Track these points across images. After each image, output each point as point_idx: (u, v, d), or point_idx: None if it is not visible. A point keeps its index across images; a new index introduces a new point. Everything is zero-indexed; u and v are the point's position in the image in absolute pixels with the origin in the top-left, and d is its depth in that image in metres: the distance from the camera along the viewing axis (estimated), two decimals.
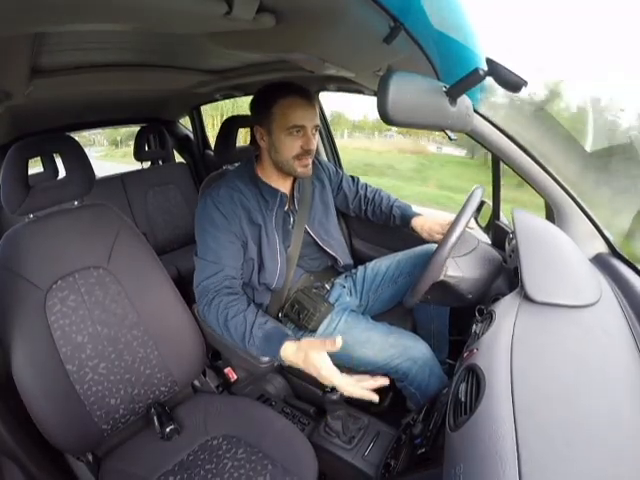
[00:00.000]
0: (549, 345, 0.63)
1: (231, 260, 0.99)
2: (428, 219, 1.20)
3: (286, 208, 1.12)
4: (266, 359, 0.92)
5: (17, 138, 1.60)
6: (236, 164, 1.45)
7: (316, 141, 1.05)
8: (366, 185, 1.37)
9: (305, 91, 1.01)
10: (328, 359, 0.81)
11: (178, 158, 2.60)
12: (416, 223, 1.21)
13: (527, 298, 0.74)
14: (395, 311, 1.29)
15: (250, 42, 0.71)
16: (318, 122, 1.04)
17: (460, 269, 0.96)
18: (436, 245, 0.93)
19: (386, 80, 0.50)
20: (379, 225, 1.36)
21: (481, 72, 0.56)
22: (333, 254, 1.22)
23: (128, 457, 0.89)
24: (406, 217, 1.25)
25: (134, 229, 1.02)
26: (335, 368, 0.80)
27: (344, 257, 1.26)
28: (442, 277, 0.93)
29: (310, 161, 1.05)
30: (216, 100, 2.00)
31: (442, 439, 0.60)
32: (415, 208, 1.31)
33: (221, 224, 0.99)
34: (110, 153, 13.92)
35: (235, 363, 1.14)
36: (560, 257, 0.84)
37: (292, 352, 0.84)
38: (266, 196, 1.07)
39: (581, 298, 0.73)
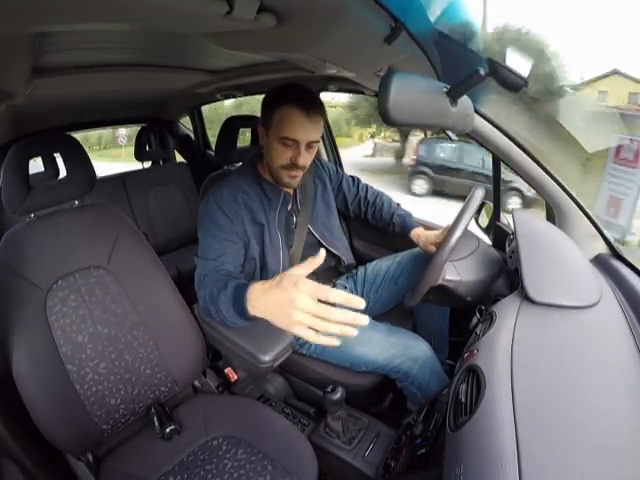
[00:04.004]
0: (549, 346, 0.63)
1: (232, 258, 0.99)
2: (425, 231, 1.20)
3: (289, 208, 1.12)
4: (267, 358, 0.89)
5: (17, 138, 1.60)
6: (237, 164, 1.45)
7: (312, 156, 1.01)
8: (367, 187, 1.37)
9: (308, 103, 0.94)
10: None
11: (179, 158, 2.60)
12: (414, 234, 1.21)
13: (527, 299, 0.74)
14: (395, 311, 1.29)
15: (251, 42, 0.71)
16: (316, 138, 0.98)
17: (458, 273, 0.96)
18: None
19: (387, 80, 0.49)
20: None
21: (482, 72, 0.56)
22: (337, 254, 1.22)
23: (128, 457, 0.89)
24: (405, 227, 1.25)
25: (135, 229, 1.02)
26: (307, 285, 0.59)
27: (347, 257, 1.26)
28: (440, 281, 0.93)
29: (299, 174, 1.02)
30: (217, 100, 2.00)
31: (442, 440, 0.60)
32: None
33: (224, 224, 0.99)
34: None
35: (235, 363, 1.14)
36: (560, 258, 0.84)
37: (260, 285, 0.69)
38: (269, 195, 1.07)
39: (581, 299, 0.73)
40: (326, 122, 1.74)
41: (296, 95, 0.95)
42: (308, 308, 0.58)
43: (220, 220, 0.99)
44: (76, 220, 0.94)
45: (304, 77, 1.16)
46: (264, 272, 1.06)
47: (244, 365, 1.06)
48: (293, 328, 0.60)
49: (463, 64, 0.73)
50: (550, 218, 1.04)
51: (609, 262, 0.91)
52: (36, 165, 0.94)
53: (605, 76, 12.31)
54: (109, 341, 0.90)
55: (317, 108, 0.96)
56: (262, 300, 0.67)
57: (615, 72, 12.16)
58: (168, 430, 0.88)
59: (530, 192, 5.29)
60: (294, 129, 0.94)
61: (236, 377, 1.14)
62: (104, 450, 0.91)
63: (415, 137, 9.54)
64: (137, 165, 2.28)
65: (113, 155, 13.88)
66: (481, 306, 1.01)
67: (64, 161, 0.95)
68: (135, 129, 2.34)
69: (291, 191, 1.12)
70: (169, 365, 0.96)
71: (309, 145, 0.98)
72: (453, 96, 0.60)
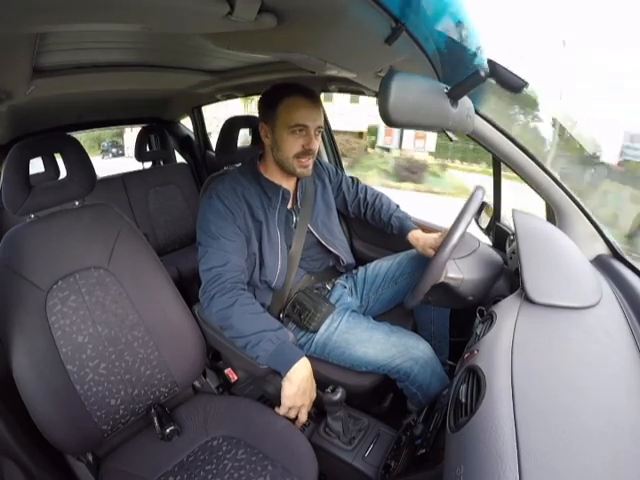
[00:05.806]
0: (550, 346, 0.63)
1: (236, 251, 1.00)
2: (423, 234, 1.19)
3: (289, 206, 1.12)
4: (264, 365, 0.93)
5: (18, 138, 1.60)
6: (237, 165, 1.45)
7: (318, 142, 1.06)
8: (366, 188, 1.37)
9: (310, 92, 1.02)
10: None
11: (179, 158, 2.60)
12: (412, 237, 1.21)
13: (528, 299, 0.74)
14: (396, 312, 1.29)
15: (251, 43, 0.71)
16: (321, 124, 1.05)
17: (460, 271, 0.95)
18: None
19: (388, 81, 0.50)
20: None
21: (482, 73, 0.56)
22: (337, 253, 1.22)
23: (128, 458, 0.89)
24: (403, 229, 1.24)
25: (135, 229, 1.02)
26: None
27: (347, 256, 1.26)
28: (442, 279, 0.93)
29: (310, 162, 1.06)
30: (217, 100, 2.00)
31: (442, 440, 0.60)
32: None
33: (226, 216, 1.01)
34: None
35: (235, 364, 1.14)
36: (561, 259, 0.84)
37: (308, 368, 0.93)
38: (268, 193, 1.08)
39: (582, 300, 0.73)
40: (327, 125, 1.74)
41: (296, 87, 1.02)
42: (305, 411, 0.94)
43: (222, 212, 1.01)
44: (76, 220, 0.94)
45: (304, 78, 1.17)
46: (263, 269, 1.06)
47: (244, 366, 1.06)
48: (294, 403, 0.91)
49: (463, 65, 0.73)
50: (550, 218, 1.04)
51: (609, 263, 0.91)
52: (36, 165, 0.94)
53: None
54: (109, 341, 0.90)
55: (316, 96, 1.04)
56: (304, 377, 0.92)
57: None
58: (168, 431, 0.88)
59: None
60: (303, 116, 1.00)
61: (236, 378, 1.14)
62: (104, 450, 0.91)
63: None
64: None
65: None
66: (481, 307, 1.01)
67: (64, 161, 0.95)
68: None
69: (291, 189, 1.12)
70: (169, 365, 0.96)
71: (316, 131, 1.04)
72: (453, 97, 0.60)
